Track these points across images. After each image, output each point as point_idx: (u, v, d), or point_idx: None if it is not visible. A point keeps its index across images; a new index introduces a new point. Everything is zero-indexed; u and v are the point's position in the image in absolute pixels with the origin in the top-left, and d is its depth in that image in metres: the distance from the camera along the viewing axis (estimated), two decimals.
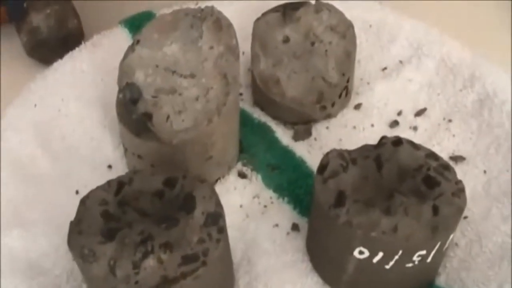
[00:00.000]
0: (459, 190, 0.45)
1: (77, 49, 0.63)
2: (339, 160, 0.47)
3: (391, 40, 0.66)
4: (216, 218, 0.43)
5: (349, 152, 0.48)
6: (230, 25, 0.51)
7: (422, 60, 0.64)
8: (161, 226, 0.43)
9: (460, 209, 0.44)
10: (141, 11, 0.67)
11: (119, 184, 0.46)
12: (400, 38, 0.66)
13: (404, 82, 0.63)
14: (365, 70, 0.65)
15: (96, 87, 0.61)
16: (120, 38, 0.64)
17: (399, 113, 0.61)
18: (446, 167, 0.47)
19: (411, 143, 0.48)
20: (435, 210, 0.43)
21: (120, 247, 0.41)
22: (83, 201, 0.45)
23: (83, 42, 0.65)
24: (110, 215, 0.44)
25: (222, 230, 0.43)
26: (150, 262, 0.41)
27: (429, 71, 0.63)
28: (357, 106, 0.61)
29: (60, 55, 0.64)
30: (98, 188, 0.46)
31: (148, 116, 0.50)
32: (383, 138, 0.48)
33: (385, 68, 0.64)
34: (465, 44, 0.64)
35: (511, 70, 0.62)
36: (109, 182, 0.46)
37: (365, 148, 0.49)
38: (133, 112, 0.51)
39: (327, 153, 0.47)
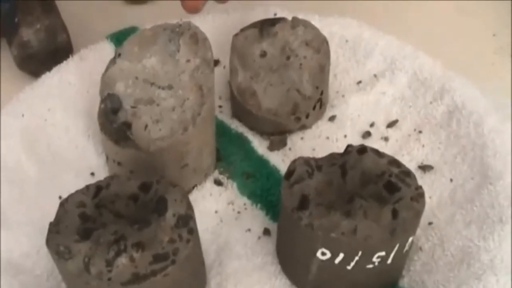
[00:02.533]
0: (418, 195, 0.47)
1: (64, 62, 0.66)
2: (305, 167, 0.49)
3: (366, 55, 0.68)
4: (186, 220, 0.46)
5: (316, 159, 0.51)
6: (205, 39, 0.54)
7: (395, 74, 0.66)
8: (134, 227, 0.45)
9: (418, 213, 0.47)
10: (127, 27, 0.70)
11: (97, 188, 0.49)
12: (375, 53, 0.68)
13: (378, 95, 0.66)
14: (341, 83, 0.67)
15: (82, 98, 0.64)
16: (106, 52, 0.66)
17: (372, 125, 0.63)
18: (407, 173, 0.49)
19: (375, 151, 0.51)
20: (395, 213, 0.46)
21: (95, 246, 0.44)
22: (62, 204, 0.47)
23: (70, 56, 0.67)
24: (87, 216, 0.47)
25: (192, 231, 0.46)
26: (123, 260, 0.43)
27: (401, 84, 0.66)
28: (332, 118, 0.64)
29: (50, 68, 0.66)
30: (77, 191, 0.49)
31: (127, 125, 0.53)
32: (349, 146, 0.51)
33: (360, 82, 0.67)
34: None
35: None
36: (87, 186, 0.49)
37: (332, 156, 0.51)
38: (113, 121, 0.53)
39: (294, 160, 0.50)
